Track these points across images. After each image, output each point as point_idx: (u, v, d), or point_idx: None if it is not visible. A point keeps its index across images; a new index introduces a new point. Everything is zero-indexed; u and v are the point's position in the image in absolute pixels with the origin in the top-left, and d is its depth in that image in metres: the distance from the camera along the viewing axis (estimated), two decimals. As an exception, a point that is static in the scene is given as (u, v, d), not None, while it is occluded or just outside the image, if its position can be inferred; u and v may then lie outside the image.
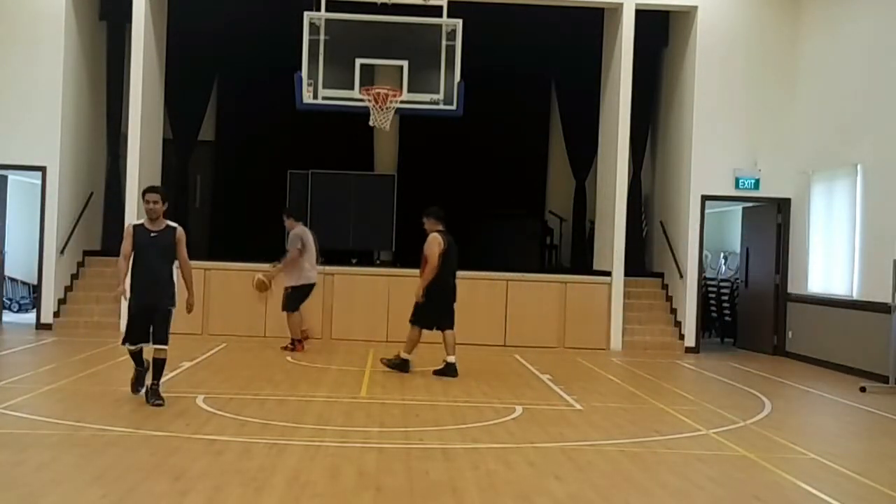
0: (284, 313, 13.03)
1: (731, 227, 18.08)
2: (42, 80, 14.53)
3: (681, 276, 15.18)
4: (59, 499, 5.52)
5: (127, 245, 8.47)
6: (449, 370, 10.97)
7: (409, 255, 14.34)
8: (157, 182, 14.76)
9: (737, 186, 15.03)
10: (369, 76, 13.13)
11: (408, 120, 16.14)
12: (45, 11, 14.56)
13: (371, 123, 13.09)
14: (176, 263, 8.57)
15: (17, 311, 17.14)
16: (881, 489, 6.49)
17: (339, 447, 7.08)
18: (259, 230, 16.03)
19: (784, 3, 15.06)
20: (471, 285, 14.70)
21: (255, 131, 17.32)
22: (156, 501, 5.55)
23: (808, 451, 7.61)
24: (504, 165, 17.69)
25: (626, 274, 15.05)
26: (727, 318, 17.43)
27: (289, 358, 12.30)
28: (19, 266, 17.15)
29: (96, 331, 14.15)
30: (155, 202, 8.37)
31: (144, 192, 8.58)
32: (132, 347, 8.42)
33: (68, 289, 15.21)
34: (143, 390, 8.51)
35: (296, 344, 12.97)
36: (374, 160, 17.82)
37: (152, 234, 8.39)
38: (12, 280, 17.31)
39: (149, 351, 8.44)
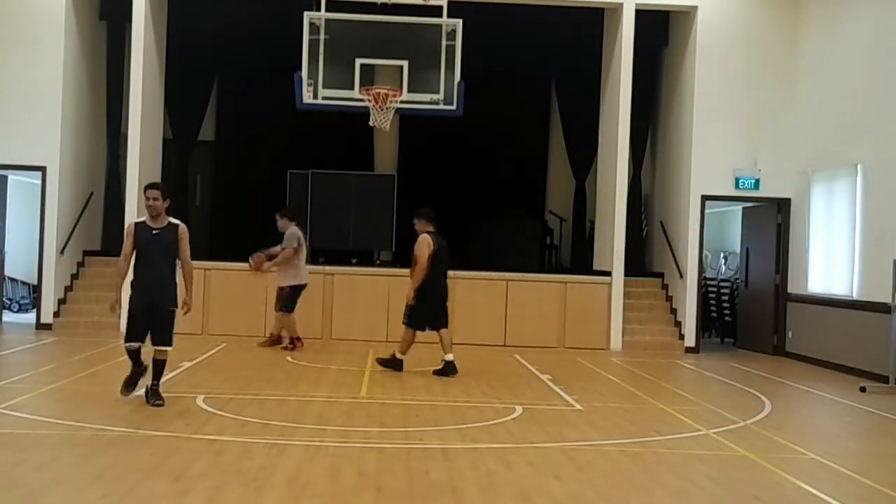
0: (277, 312, 13.07)
1: (731, 227, 18.08)
2: (42, 80, 14.53)
3: (681, 276, 15.18)
4: (59, 499, 5.52)
5: (127, 245, 8.39)
6: (448, 369, 10.98)
7: (409, 256, 14.29)
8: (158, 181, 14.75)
9: (737, 186, 15.03)
10: (369, 76, 13.13)
11: (408, 120, 16.14)
12: (45, 11, 14.56)
13: (371, 123, 13.09)
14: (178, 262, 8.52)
15: (17, 311, 17.14)
16: (881, 489, 6.50)
17: (339, 447, 7.09)
18: (259, 230, 16.01)
19: (784, 3, 15.06)
20: (471, 285, 14.77)
21: (255, 131, 17.32)
22: (156, 501, 5.56)
23: (808, 451, 7.61)
24: (504, 165, 17.68)
25: (626, 274, 15.05)
26: (727, 318, 17.43)
27: (289, 358, 12.30)
28: (19, 266, 17.15)
29: (96, 331, 14.16)
30: (155, 199, 8.27)
31: (145, 189, 8.49)
32: (130, 346, 8.31)
33: (68, 289, 15.21)
34: (131, 392, 8.37)
35: (295, 342, 13.00)
36: (374, 160, 17.83)
37: (154, 232, 8.29)
38: (12, 280, 17.31)
39: (149, 351, 8.41)
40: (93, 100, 15.91)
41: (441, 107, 13.10)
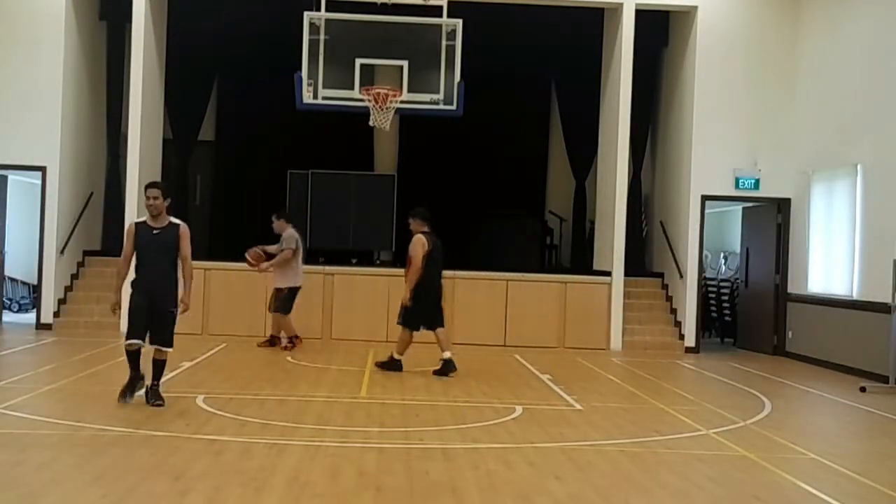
0: (272, 313, 13.12)
1: (731, 227, 18.08)
2: (42, 80, 14.53)
3: (681, 276, 15.18)
4: (59, 499, 5.52)
5: (128, 246, 8.34)
6: (447, 367, 10.99)
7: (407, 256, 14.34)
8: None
9: (737, 186, 15.03)
10: (369, 76, 13.13)
11: (408, 120, 16.14)
12: (45, 11, 14.57)
13: (371, 123, 13.09)
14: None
15: (17, 311, 17.14)
16: (881, 489, 6.50)
17: (339, 447, 7.09)
18: (259, 230, 16.01)
19: (784, 3, 15.06)
20: (471, 285, 14.77)
21: (255, 131, 17.32)
22: (156, 501, 5.56)
23: (808, 451, 7.61)
24: (504, 165, 17.69)
25: (626, 274, 15.05)
26: (727, 318, 17.43)
27: (289, 358, 12.30)
28: (19, 266, 17.15)
29: (96, 331, 14.16)
30: (155, 198, 8.22)
31: (145, 189, 8.43)
32: (130, 345, 8.20)
33: (68, 289, 15.22)
34: (129, 400, 8.26)
35: (289, 342, 13.01)
36: (374, 160, 17.83)
37: (154, 232, 8.24)
38: (12, 280, 17.31)
39: (147, 352, 8.39)
40: (93, 100, 15.91)
41: (441, 107, 13.10)
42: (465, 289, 14.74)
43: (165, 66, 15.94)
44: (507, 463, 6.76)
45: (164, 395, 8.42)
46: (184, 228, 8.35)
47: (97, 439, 7.03)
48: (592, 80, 16.37)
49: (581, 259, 17.13)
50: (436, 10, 13.08)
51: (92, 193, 15.90)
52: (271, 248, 12.99)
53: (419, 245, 11.02)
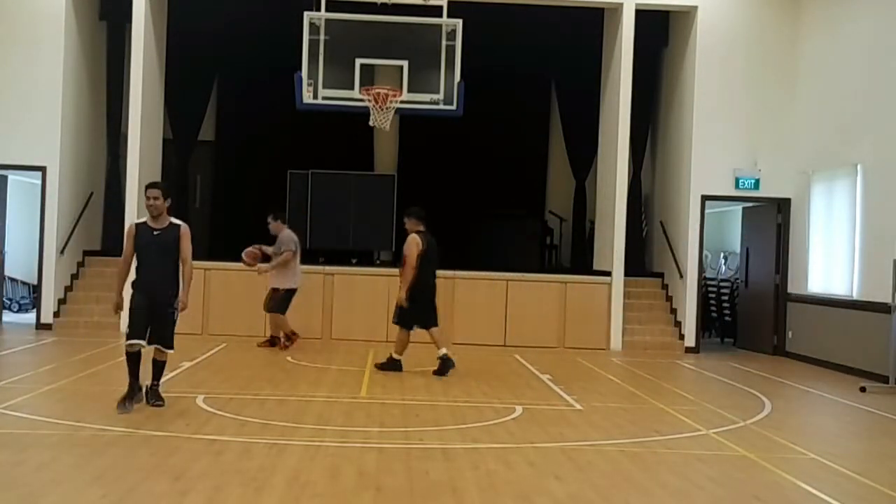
0: (268, 313, 13.13)
1: (731, 227, 18.08)
2: (42, 80, 14.53)
3: (681, 276, 15.18)
4: (59, 499, 5.52)
5: (128, 247, 8.29)
6: (445, 365, 11.00)
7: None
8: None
9: (737, 186, 15.03)
10: (369, 76, 13.13)
11: (408, 120, 16.14)
12: (45, 11, 14.57)
13: (371, 123, 13.09)
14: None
15: (17, 311, 17.14)
16: (881, 489, 6.50)
17: (339, 447, 7.09)
18: (259, 230, 16.02)
19: (784, 3, 15.06)
20: (471, 285, 14.78)
21: (255, 131, 17.33)
22: (156, 501, 5.56)
23: (808, 451, 7.61)
24: (504, 165, 17.69)
25: (626, 274, 15.05)
26: (727, 318, 17.43)
27: (289, 358, 12.30)
28: (19, 266, 17.15)
29: (96, 331, 14.16)
30: (155, 198, 8.15)
31: (145, 189, 8.37)
32: (131, 345, 8.10)
33: (68, 289, 15.22)
34: (127, 409, 8.03)
35: (287, 339, 13.02)
36: (374, 160, 17.83)
37: (155, 233, 8.18)
38: (12, 280, 17.31)
39: (149, 352, 8.38)
40: (93, 100, 15.91)
41: (441, 107, 13.10)
42: (465, 289, 14.74)
43: (165, 66, 15.94)
44: (507, 463, 6.76)
45: (163, 395, 8.42)
46: (184, 229, 8.29)
47: (97, 439, 7.03)
48: (592, 80, 16.37)
49: (581, 259, 17.13)
50: (436, 10, 13.08)
51: (92, 193, 15.90)
52: (269, 250, 13.00)
53: (413, 244, 11.05)
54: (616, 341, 14.84)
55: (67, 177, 14.99)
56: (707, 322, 17.35)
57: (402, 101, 12.95)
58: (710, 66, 15.01)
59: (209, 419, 7.93)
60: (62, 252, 14.90)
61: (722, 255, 18.39)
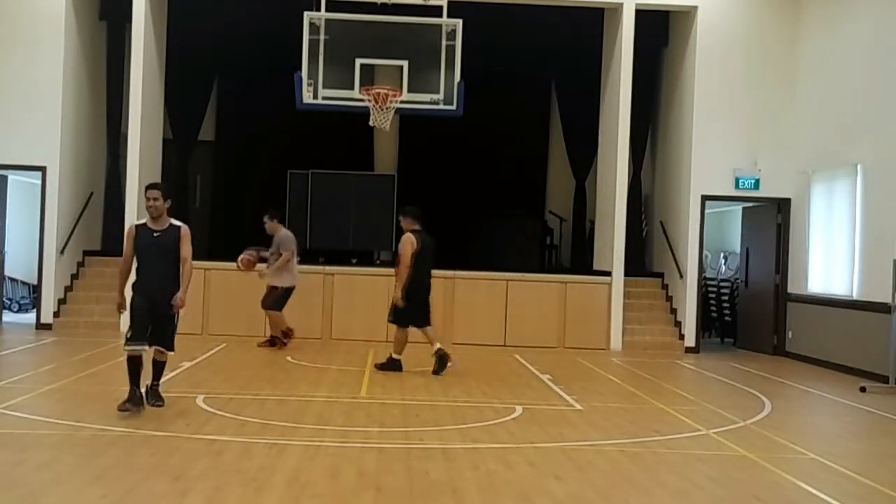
0: (265, 311, 13.13)
1: (731, 227, 18.08)
2: (42, 80, 14.53)
3: (681, 276, 15.18)
4: (59, 499, 5.52)
5: (128, 248, 8.23)
6: (442, 361, 11.04)
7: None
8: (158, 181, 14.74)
9: (737, 186, 15.03)
10: (369, 76, 13.13)
11: (408, 120, 16.14)
12: (45, 11, 14.57)
13: (371, 123, 13.09)
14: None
15: (17, 311, 17.14)
16: (881, 489, 6.50)
17: (339, 447, 7.09)
18: (259, 230, 16.04)
19: (784, 3, 15.06)
20: (471, 285, 14.78)
21: (255, 131, 17.33)
22: (156, 501, 5.56)
23: (808, 451, 7.61)
24: (504, 165, 17.69)
25: (626, 274, 15.05)
26: (727, 318, 17.43)
27: (289, 358, 12.30)
28: (19, 266, 17.15)
29: (96, 331, 14.16)
30: (155, 199, 8.08)
31: (145, 190, 8.30)
32: (132, 349, 7.99)
33: (68, 289, 15.22)
34: (128, 411, 7.94)
35: (285, 336, 13.03)
36: (374, 160, 17.83)
37: (155, 234, 8.11)
38: (12, 280, 17.31)
39: (149, 352, 8.34)
40: (93, 100, 15.91)
41: (441, 107, 13.11)
42: (465, 289, 14.74)
43: (165, 66, 15.94)
44: (507, 463, 6.76)
45: (163, 395, 8.41)
46: (185, 230, 8.22)
47: (97, 439, 7.03)
48: (592, 80, 16.37)
49: (581, 259, 17.13)
50: (436, 10, 13.08)
51: (92, 193, 15.90)
52: (265, 253, 13.01)
53: (408, 244, 11.08)
54: (616, 341, 14.84)
55: (67, 177, 14.99)
56: (707, 322, 17.35)
57: (402, 101, 12.96)
58: (710, 66, 15.01)
59: (209, 419, 7.93)
60: (62, 252, 14.90)
61: (722, 255, 18.39)
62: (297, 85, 12.90)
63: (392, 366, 11.21)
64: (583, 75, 16.73)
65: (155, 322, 8.10)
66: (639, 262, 16.36)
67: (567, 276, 15.40)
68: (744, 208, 16.30)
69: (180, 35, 16.00)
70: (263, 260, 13.00)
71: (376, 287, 14.52)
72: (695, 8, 15.07)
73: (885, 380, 11.51)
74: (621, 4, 14.93)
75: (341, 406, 8.89)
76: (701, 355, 14.65)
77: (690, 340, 15.00)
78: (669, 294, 15.81)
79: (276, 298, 12.97)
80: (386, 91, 12.81)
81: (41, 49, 14.54)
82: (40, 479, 5.90)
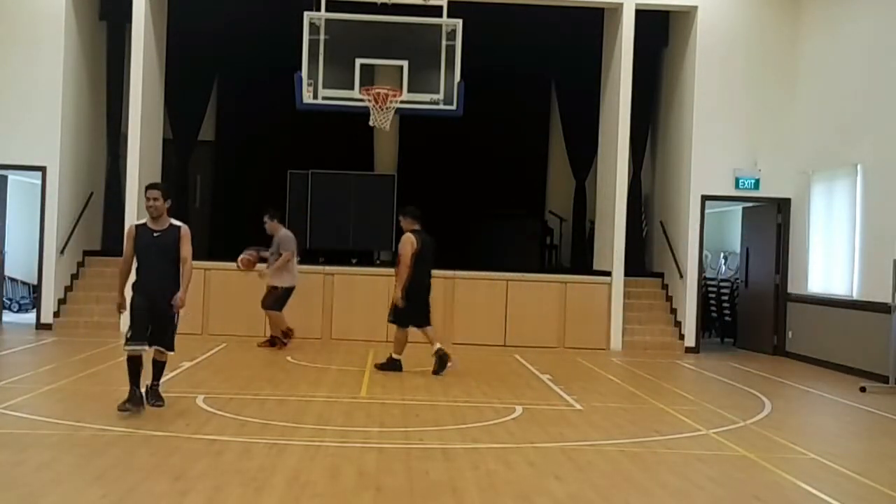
0: (265, 311, 13.13)
1: (731, 227, 18.08)
2: (42, 80, 14.53)
3: (681, 276, 15.18)
4: (59, 499, 5.52)
5: (128, 249, 8.20)
6: (442, 361, 11.06)
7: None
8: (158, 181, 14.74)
9: (737, 186, 15.03)
10: (369, 76, 13.13)
11: (408, 120, 16.14)
12: (45, 11, 14.57)
13: (371, 123, 13.09)
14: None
15: (17, 311, 17.14)
16: (881, 489, 6.50)
17: (339, 447, 7.09)
18: (260, 230, 16.05)
19: (784, 3, 15.06)
20: (471, 285, 14.78)
21: (255, 131, 17.33)
22: (156, 501, 5.56)
23: (808, 451, 7.61)
24: (504, 165, 17.69)
25: (626, 274, 15.05)
26: (727, 318, 17.43)
27: (289, 358, 12.30)
28: (19, 266, 17.15)
29: (96, 331, 14.16)
30: (155, 199, 8.05)
31: (145, 190, 8.27)
32: (132, 350, 7.96)
33: (68, 289, 15.22)
34: (132, 409, 7.92)
35: (285, 336, 13.04)
36: (374, 160, 17.83)
37: (155, 234, 8.08)
38: (12, 280, 17.31)
39: (149, 353, 8.33)
40: (93, 100, 15.91)
41: (441, 107, 13.11)
42: (465, 289, 14.74)
43: (165, 66, 15.94)
44: (507, 463, 6.76)
45: (163, 395, 8.41)
46: (185, 230, 8.18)
47: (97, 439, 7.03)
48: (592, 80, 16.37)
49: (581, 259, 17.13)
50: (436, 10, 13.08)
51: (92, 193, 15.90)
52: (266, 253, 13.01)
53: (408, 244, 11.09)
54: (616, 341, 14.84)
55: (67, 177, 14.99)
56: (707, 322, 17.35)
57: (402, 101, 12.96)
58: (710, 66, 15.01)
59: (209, 419, 7.93)
60: (62, 252, 14.90)
61: (722, 255, 18.39)
62: (297, 85, 12.90)
63: (392, 366, 11.22)
64: (583, 75, 16.73)
65: (155, 322, 8.08)
66: (639, 262, 16.36)
67: (567, 276, 15.40)
68: (744, 208, 16.30)
69: (180, 35, 16.00)
70: (263, 260, 13.00)
71: (376, 287, 14.52)
72: (695, 8, 15.07)
73: (885, 380, 11.51)
74: (621, 4, 14.93)
75: (341, 406, 8.89)
76: (701, 355, 14.65)
77: (690, 340, 15.00)
78: (669, 294, 15.81)
79: (277, 298, 12.98)
80: (386, 91, 12.82)
81: (41, 49, 14.54)
82: (40, 479, 5.90)
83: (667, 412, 9.19)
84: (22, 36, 14.56)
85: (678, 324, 15.30)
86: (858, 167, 13.06)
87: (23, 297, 17.71)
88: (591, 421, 8.58)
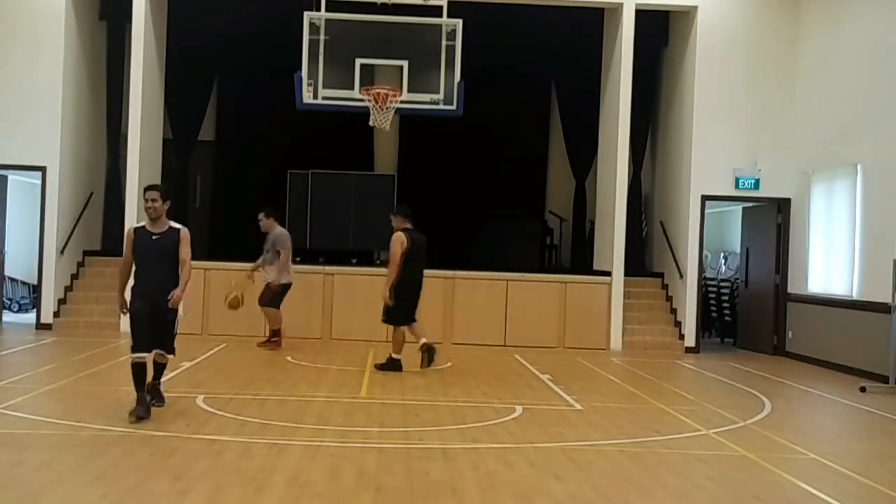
0: (262, 307, 13.14)
1: (731, 227, 18.08)
2: (42, 80, 14.53)
3: (681, 276, 15.18)
4: (59, 499, 5.52)
5: (127, 252, 8.12)
6: (430, 353, 11.16)
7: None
8: (157, 182, 14.74)
9: (737, 186, 15.03)
10: (369, 76, 13.13)
11: (408, 120, 16.14)
12: (45, 11, 14.57)
13: (371, 123, 13.09)
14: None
15: (17, 311, 17.14)
16: (881, 489, 6.50)
17: (339, 447, 7.09)
18: (259, 230, 16.06)
19: (784, 3, 15.06)
20: (471, 285, 14.77)
21: (255, 131, 17.33)
22: (156, 501, 5.56)
23: (808, 451, 7.61)
24: (504, 165, 17.69)
25: (626, 274, 15.05)
26: (727, 318, 17.43)
27: (289, 358, 12.30)
28: (19, 266, 17.15)
29: (96, 331, 14.16)
30: (154, 200, 7.95)
31: (144, 191, 8.20)
32: (136, 357, 7.87)
33: (68, 289, 15.21)
34: (143, 417, 7.79)
35: (277, 335, 13.04)
36: (374, 160, 17.83)
37: (154, 237, 7.98)
38: (12, 280, 17.31)
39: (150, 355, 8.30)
40: (93, 100, 15.91)
41: (441, 107, 13.10)
42: (465, 289, 14.74)
43: (165, 66, 15.94)
44: (507, 463, 6.76)
45: (164, 394, 8.40)
46: (184, 233, 8.08)
47: (97, 439, 7.03)
48: (592, 80, 16.37)
49: (581, 259, 17.13)
50: (436, 10, 13.08)
51: (92, 193, 15.90)
52: (257, 263, 13.04)
53: (398, 243, 11.13)
54: (616, 341, 14.84)
55: (67, 177, 14.99)
56: (707, 322, 17.35)
57: (402, 101, 12.95)
58: (710, 66, 15.01)
59: (209, 419, 7.93)
60: (62, 252, 14.90)
61: (722, 255, 18.39)
62: (297, 85, 12.90)
63: (392, 366, 11.22)
64: (583, 75, 16.72)
65: (155, 326, 7.97)
66: (639, 262, 16.36)
67: (567, 276, 15.40)
68: (744, 208, 16.30)
69: (180, 35, 15.99)
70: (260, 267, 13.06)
71: (376, 287, 14.36)
72: (695, 8, 15.07)
73: (885, 380, 11.51)
74: (621, 4, 14.93)
75: (341, 406, 8.89)
76: (701, 355, 14.65)
77: (690, 340, 15.00)
78: (669, 294, 15.81)
79: (274, 295, 12.99)
80: (386, 91, 12.81)
81: (41, 49, 14.54)
82: (40, 479, 5.90)
83: (667, 412, 9.19)
84: (22, 36, 14.56)
85: (678, 324, 15.30)
86: (858, 167, 13.06)
87: (23, 297, 17.71)
88: (591, 421, 8.58)
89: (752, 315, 15.94)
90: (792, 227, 15.00)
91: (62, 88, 14.65)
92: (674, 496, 6.12)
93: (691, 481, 6.45)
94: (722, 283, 17.83)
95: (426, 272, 11.71)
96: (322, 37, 12.96)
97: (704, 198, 15.05)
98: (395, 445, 7.19)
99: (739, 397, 10.58)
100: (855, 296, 13.01)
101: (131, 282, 8.18)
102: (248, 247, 13.68)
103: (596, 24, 16.05)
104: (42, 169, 14.63)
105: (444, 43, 13.00)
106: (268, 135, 17.29)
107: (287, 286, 13.05)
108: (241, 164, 17.66)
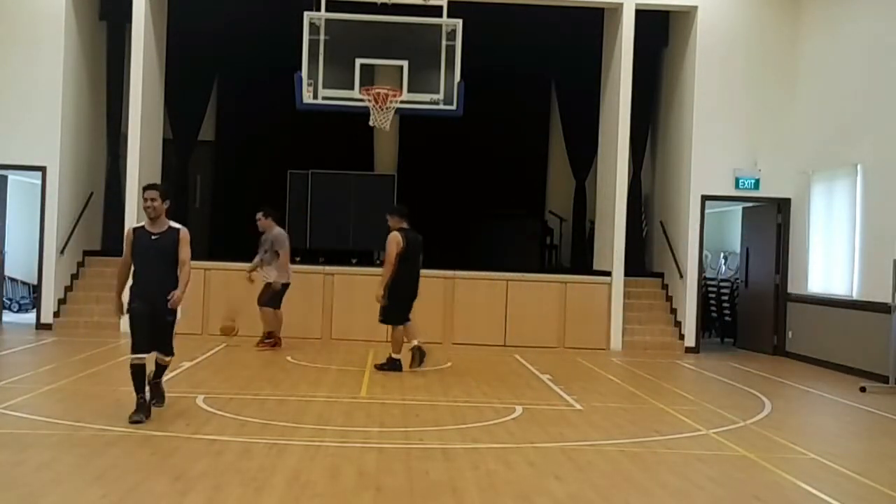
0: (260, 307, 13.12)
1: (731, 227, 18.08)
2: (42, 80, 14.53)
3: (681, 276, 15.18)
4: (59, 499, 5.52)
5: (127, 252, 8.07)
6: (420, 354, 11.20)
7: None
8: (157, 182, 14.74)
9: (737, 186, 15.03)
10: (369, 76, 13.13)
11: (408, 120, 16.14)
12: (45, 11, 14.57)
13: (371, 123, 13.09)
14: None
15: (17, 311, 17.14)
16: (881, 489, 6.50)
17: (339, 447, 7.09)
18: (259, 230, 16.07)
19: (784, 3, 15.06)
20: (471, 285, 14.78)
21: (255, 131, 17.33)
22: (156, 501, 5.56)
23: (808, 451, 7.61)
24: (504, 165, 17.69)
25: (626, 274, 15.05)
26: (727, 318, 17.43)
27: (289, 358, 12.30)
28: (19, 266, 17.15)
29: (96, 331, 14.16)
30: (153, 199, 7.90)
31: (143, 190, 8.16)
32: (135, 358, 7.82)
33: (68, 289, 15.22)
34: (140, 419, 7.75)
35: (269, 337, 13.05)
36: (374, 160, 17.84)
37: (153, 237, 7.92)
38: (12, 280, 17.31)
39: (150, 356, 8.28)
40: (93, 100, 15.91)
41: (441, 107, 13.11)
42: (465, 289, 14.74)
43: (165, 66, 15.94)
44: (507, 463, 6.76)
45: (164, 394, 8.39)
46: (184, 233, 8.03)
47: (97, 439, 7.03)
48: (592, 80, 16.37)
49: (581, 259, 17.13)
50: (436, 10, 13.08)
51: (92, 193, 15.90)
52: (255, 264, 13.04)
53: (394, 243, 11.18)
54: (616, 341, 14.84)
55: (67, 177, 14.99)
56: (707, 322, 17.35)
57: (402, 101, 12.96)
58: (710, 66, 15.01)
59: (209, 419, 7.93)
60: (62, 252, 14.90)
61: (722, 255, 18.39)
62: (297, 85, 12.90)
63: (392, 366, 11.23)
64: (583, 75, 16.73)
65: (155, 327, 7.93)
66: (639, 262, 16.36)
67: (567, 276, 15.40)
68: (744, 208, 16.31)
69: (180, 35, 16.00)
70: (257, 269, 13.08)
71: (376, 287, 14.48)
72: (695, 8, 15.07)
73: (885, 380, 11.51)
74: (621, 4, 14.93)
75: (341, 406, 8.89)
76: (701, 355, 14.65)
77: (690, 340, 15.00)
78: (669, 294, 15.81)
79: (273, 295, 12.99)
80: (386, 91, 12.82)
81: (41, 49, 14.54)
82: (40, 479, 5.90)
83: (667, 412, 9.19)
84: (22, 36, 14.57)
85: (678, 324, 15.30)
86: (858, 167, 13.06)
87: (23, 297, 17.71)
88: (591, 421, 8.58)
89: (752, 315, 15.94)
90: (792, 227, 15.00)
91: (62, 88, 14.65)
92: (674, 496, 6.12)
93: (691, 481, 6.45)
94: (722, 283, 17.83)
95: (425, 272, 11.76)
96: (322, 37, 12.96)
97: (704, 198, 15.05)
98: (395, 445, 7.19)
99: (739, 397, 10.58)
100: (855, 296, 13.01)
101: (129, 284, 8.18)
102: (248, 247, 13.66)
103: (596, 24, 16.06)
104: (42, 169, 14.64)
105: (444, 43, 13.00)
106: (268, 135, 17.29)
107: (286, 286, 13.07)
108: (241, 164, 17.66)
